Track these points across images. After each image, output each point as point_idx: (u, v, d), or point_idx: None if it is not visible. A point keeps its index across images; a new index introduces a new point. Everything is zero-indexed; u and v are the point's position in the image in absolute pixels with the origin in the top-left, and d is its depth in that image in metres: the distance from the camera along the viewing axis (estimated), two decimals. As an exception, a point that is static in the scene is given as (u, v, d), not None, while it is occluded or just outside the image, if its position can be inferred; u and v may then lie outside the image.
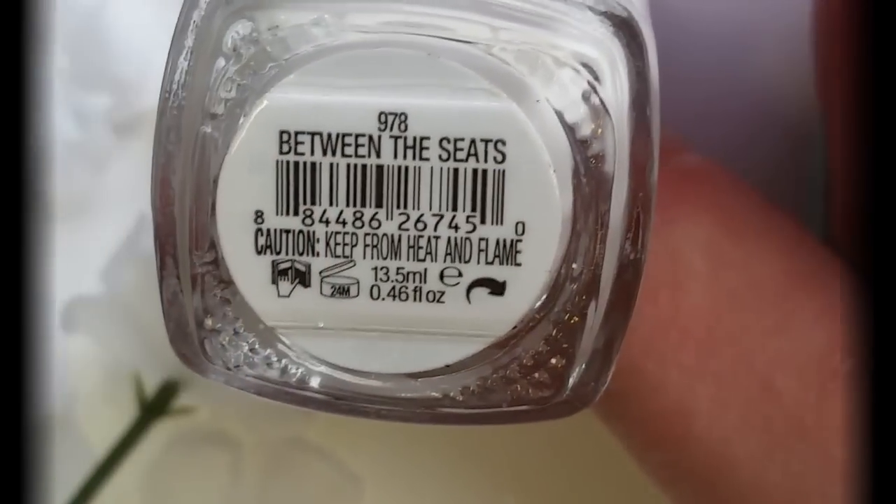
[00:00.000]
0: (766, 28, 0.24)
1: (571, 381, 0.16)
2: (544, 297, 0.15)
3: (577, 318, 0.15)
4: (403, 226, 0.15)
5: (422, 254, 0.15)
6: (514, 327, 0.15)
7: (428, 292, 0.15)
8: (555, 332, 0.15)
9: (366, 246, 0.15)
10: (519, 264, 0.15)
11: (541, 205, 0.14)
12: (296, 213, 0.15)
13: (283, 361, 0.16)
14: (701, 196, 0.19)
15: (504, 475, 0.27)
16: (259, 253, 0.15)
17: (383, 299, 0.15)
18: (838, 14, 0.22)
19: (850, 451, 0.18)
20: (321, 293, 0.15)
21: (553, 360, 0.16)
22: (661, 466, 0.20)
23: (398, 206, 0.15)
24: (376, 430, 0.27)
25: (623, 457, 0.26)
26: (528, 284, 0.15)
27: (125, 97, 0.26)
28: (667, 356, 0.19)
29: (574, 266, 0.15)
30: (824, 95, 0.23)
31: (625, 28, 0.15)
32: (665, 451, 0.19)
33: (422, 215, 0.15)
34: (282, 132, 0.14)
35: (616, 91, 0.15)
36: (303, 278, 0.15)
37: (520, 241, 0.15)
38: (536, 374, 0.16)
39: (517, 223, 0.15)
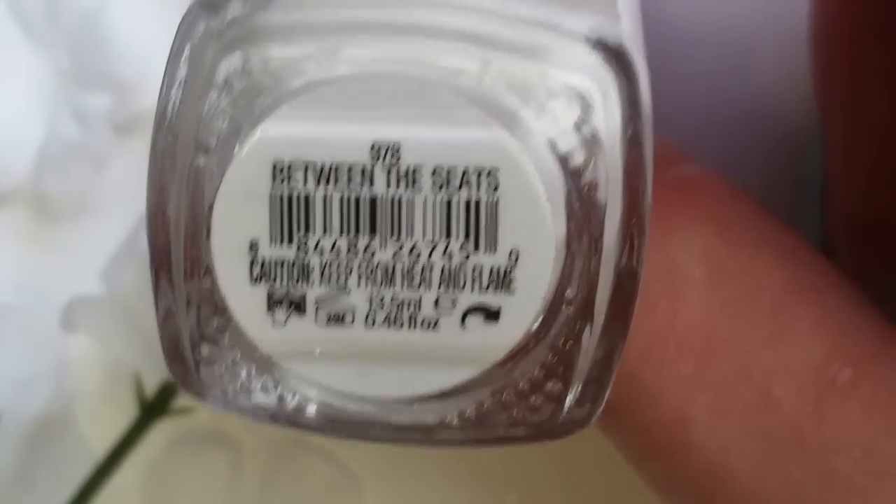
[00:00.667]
0: (763, 32, 0.24)
1: (568, 403, 0.16)
2: (539, 322, 0.15)
3: (572, 342, 0.15)
4: (397, 254, 0.15)
5: (416, 282, 0.15)
6: (510, 353, 0.15)
7: (423, 320, 0.15)
8: (550, 356, 0.15)
9: (360, 275, 0.15)
10: (513, 291, 0.15)
11: (534, 233, 0.15)
12: (290, 243, 0.15)
13: (280, 388, 0.16)
14: (698, 206, 0.19)
15: (504, 475, 0.27)
16: (254, 282, 0.15)
17: (379, 327, 0.15)
18: (837, 15, 0.22)
19: (849, 461, 0.18)
20: (316, 321, 0.15)
21: (549, 385, 0.16)
22: (659, 476, 0.20)
23: (392, 236, 0.15)
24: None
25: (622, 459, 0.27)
26: (522, 311, 0.15)
27: (125, 97, 0.26)
28: (665, 366, 0.19)
29: (569, 291, 0.15)
30: (823, 98, 0.23)
31: (616, 56, 0.15)
32: (664, 461, 0.19)
33: (416, 244, 0.15)
34: (275, 164, 0.14)
35: (608, 120, 0.15)
36: (298, 307, 0.15)
37: (514, 268, 0.15)
38: (533, 399, 0.16)
39: (511, 251, 0.15)
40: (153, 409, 0.25)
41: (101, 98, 0.26)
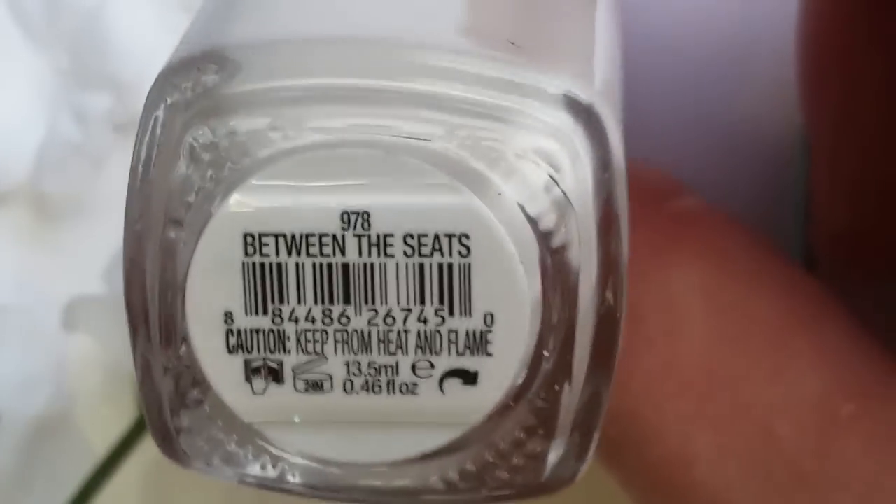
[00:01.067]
0: (750, 48, 0.24)
1: (550, 462, 0.16)
2: (519, 383, 0.15)
3: (551, 402, 0.15)
4: (373, 321, 0.15)
5: (392, 347, 0.15)
6: (489, 415, 0.15)
7: (401, 384, 0.15)
8: (531, 415, 0.15)
9: (336, 342, 0.15)
10: (490, 354, 0.15)
11: (508, 295, 0.14)
12: (265, 313, 0.15)
13: (263, 457, 0.16)
14: (696, 240, 0.19)
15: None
16: (231, 352, 0.15)
17: (357, 392, 0.15)
18: (825, 29, 0.22)
19: (851, 497, 0.18)
20: (295, 389, 0.15)
21: (530, 444, 0.16)
22: None
23: (366, 302, 0.15)
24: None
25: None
26: (500, 373, 0.15)
27: (125, 97, 0.26)
28: (665, 403, 0.19)
29: (546, 352, 0.15)
30: (809, 114, 0.23)
31: (587, 116, 0.14)
32: (666, 498, 0.19)
33: (390, 310, 0.15)
34: (245, 235, 0.14)
35: (578, 180, 0.14)
36: (276, 375, 0.15)
37: (489, 331, 0.15)
38: (515, 459, 0.16)
39: (486, 314, 0.15)
40: (153, 409, 0.25)
41: (101, 98, 0.26)
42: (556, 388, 0.15)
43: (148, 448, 0.26)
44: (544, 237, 0.15)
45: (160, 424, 0.16)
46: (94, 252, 0.26)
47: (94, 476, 0.25)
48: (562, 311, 0.15)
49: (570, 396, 0.15)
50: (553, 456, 0.16)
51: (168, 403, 0.15)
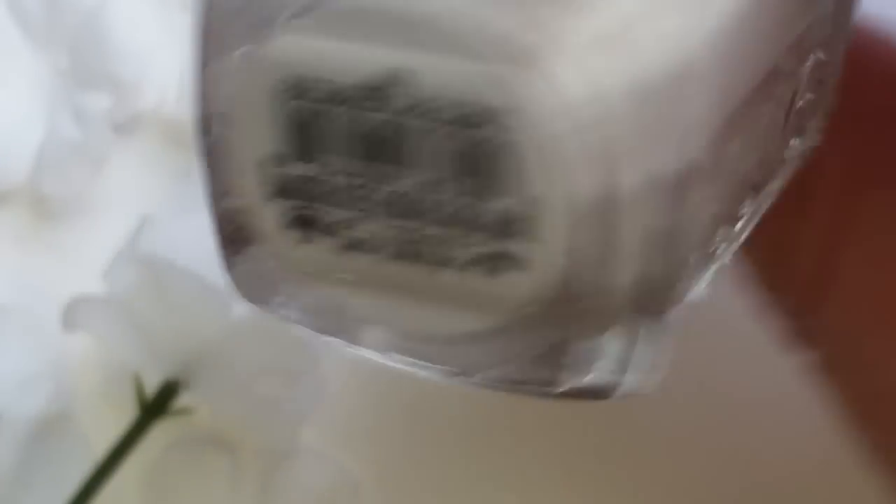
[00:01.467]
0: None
1: (606, 359, 0.15)
2: (567, 271, 0.14)
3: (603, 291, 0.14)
4: (417, 187, 0.14)
5: (437, 217, 0.14)
6: (534, 303, 0.14)
7: (444, 258, 0.14)
8: (580, 310, 0.15)
9: (379, 203, 0.14)
10: (533, 239, 0.14)
11: (555, 177, 0.14)
12: (307, 161, 0.14)
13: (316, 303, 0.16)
14: None
15: (504, 475, 0.27)
16: (273, 198, 0.15)
17: (399, 259, 0.15)
18: None
19: None
20: (335, 244, 0.15)
21: (583, 338, 0.15)
22: (879, 448, 0.19)
23: (408, 167, 0.14)
24: (374, 433, 0.27)
25: (623, 458, 0.27)
26: (548, 260, 0.14)
27: (125, 97, 0.26)
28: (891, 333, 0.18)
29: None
30: None
31: None
32: (885, 435, 0.18)
33: (430, 179, 0.14)
34: (290, 78, 0.14)
35: None
36: (317, 226, 0.15)
37: (533, 215, 0.14)
38: (565, 358, 0.15)
39: (531, 196, 0.14)
40: (153, 409, 0.25)
41: (101, 98, 0.26)
42: (608, 273, 0.14)
43: (148, 448, 0.26)
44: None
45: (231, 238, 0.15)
46: (94, 252, 0.26)
47: (94, 476, 0.25)
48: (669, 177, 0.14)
49: (623, 277, 0.14)
50: (610, 353, 0.15)
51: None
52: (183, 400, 0.25)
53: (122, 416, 0.26)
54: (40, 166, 0.26)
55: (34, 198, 0.27)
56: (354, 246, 0.15)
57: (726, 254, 0.16)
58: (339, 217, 0.15)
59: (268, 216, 0.15)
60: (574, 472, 0.27)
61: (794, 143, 0.17)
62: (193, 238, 0.24)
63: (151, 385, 0.26)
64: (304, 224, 0.15)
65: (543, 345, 0.15)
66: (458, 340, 0.15)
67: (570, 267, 0.14)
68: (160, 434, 0.26)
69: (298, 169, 0.14)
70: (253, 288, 0.16)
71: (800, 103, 0.17)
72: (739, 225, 0.16)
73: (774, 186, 0.17)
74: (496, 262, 0.14)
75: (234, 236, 0.15)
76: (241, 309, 0.24)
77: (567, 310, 0.15)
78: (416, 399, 0.26)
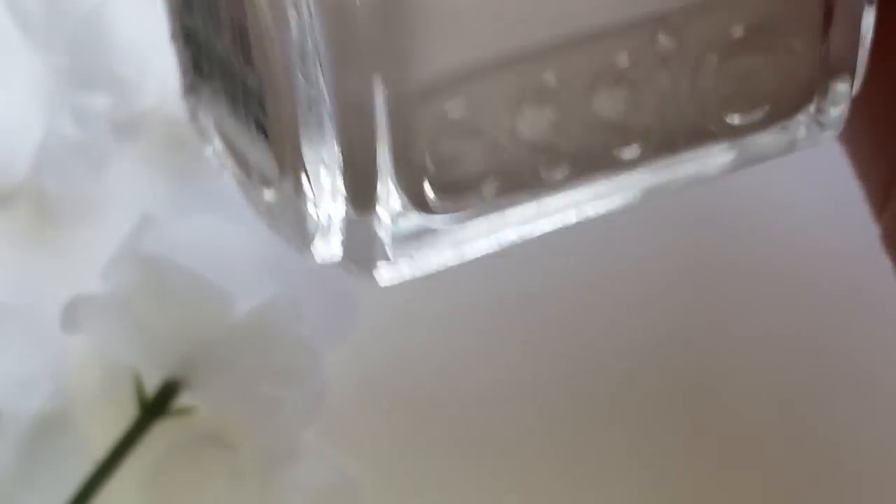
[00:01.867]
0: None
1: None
2: None
3: None
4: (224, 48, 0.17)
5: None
6: None
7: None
8: None
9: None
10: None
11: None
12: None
13: None
14: None
15: (504, 475, 0.27)
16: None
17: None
18: None
19: None
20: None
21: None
22: None
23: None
24: (374, 433, 0.27)
25: (623, 459, 0.27)
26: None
27: (125, 97, 0.26)
28: None
29: None
30: None
31: None
32: None
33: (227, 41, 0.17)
34: None
35: None
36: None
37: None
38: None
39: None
40: (153, 409, 0.25)
41: (101, 98, 0.26)
42: None
43: (148, 448, 0.26)
44: None
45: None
46: (94, 252, 0.26)
47: (94, 476, 0.25)
48: None
49: None
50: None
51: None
52: (183, 400, 0.25)
53: (122, 416, 0.26)
54: (40, 166, 0.26)
55: (34, 198, 0.27)
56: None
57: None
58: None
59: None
60: (574, 472, 0.27)
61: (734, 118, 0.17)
62: (193, 238, 0.24)
63: (151, 385, 0.25)
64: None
65: None
66: None
67: None
68: (160, 434, 0.26)
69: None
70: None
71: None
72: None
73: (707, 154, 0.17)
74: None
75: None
76: (242, 309, 0.24)
77: None
78: (416, 399, 0.26)
